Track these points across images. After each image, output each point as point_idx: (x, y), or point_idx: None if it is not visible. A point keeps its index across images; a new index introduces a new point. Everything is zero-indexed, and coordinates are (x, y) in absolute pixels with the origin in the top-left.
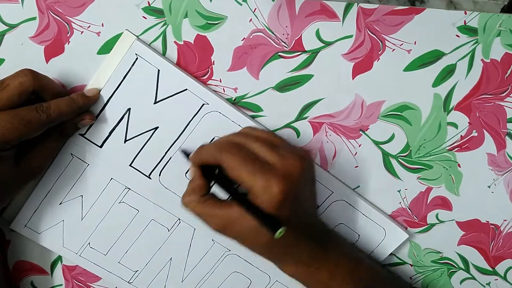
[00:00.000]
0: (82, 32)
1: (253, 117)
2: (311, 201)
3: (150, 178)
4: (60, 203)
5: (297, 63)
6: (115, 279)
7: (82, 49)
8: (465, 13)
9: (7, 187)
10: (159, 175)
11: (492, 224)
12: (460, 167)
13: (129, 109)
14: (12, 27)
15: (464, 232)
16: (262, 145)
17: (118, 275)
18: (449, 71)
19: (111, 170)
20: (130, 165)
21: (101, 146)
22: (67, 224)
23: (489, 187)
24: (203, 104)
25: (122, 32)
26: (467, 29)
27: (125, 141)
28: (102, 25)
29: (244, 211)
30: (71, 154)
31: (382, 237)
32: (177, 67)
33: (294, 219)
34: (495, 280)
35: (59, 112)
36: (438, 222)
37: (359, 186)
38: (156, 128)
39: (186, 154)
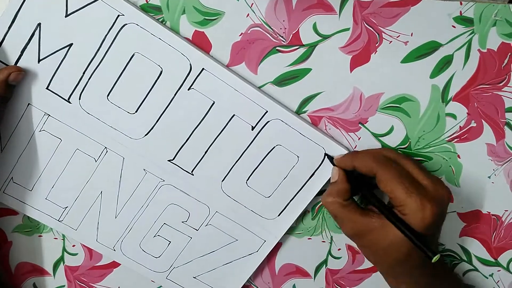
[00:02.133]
0: None
1: None
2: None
3: (69, 102)
4: None
5: (295, 57)
6: (44, 217)
7: None
8: (461, 3)
9: None
10: (79, 99)
11: (493, 215)
12: (459, 158)
13: (39, 24)
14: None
15: (465, 224)
16: (415, 166)
17: (47, 213)
18: (446, 62)
19: (27, 95)
20: (47, 88)
21: None
22: None
23: (489, 177)
24: (119, 16)
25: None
26: (463, 20)
27: (39, 60)
28: None
29: (386, 222)
30: None
31: (322, 156)
32: None
33: (432, 244)
34: (498, 271)
35: None
36: None
37: None
38: (71, 45)
39: (330, 157)
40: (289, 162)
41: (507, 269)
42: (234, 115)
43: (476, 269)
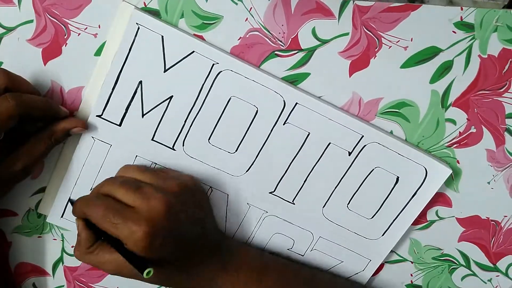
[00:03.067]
0: (79, 34)
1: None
2: (196, 223)
3: (174, 149)
4: (91, 189)
5: (294, 62)
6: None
7: (79, 51)
8: (462, 9)
9: None
10: (183, 145)
11: (492, 220)
12: (459, 163)
13: (140, 82)
14: (9, 30)
15: (464, 229)
16: (127, 190)
17: None
18: (446, 67)
19: (134, 147)
20: (152, 139)
21: (120, 125)
22: None
23: (488, 183)
24: (213, 64)
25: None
26: (463, 25)
27: (143, 115)
28: (99, 27)
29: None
30: (92, 137)
31: (423, 176)
32: (180, 30)
33: (174, 255)
34: (496, 276)
35: (29, 102)
36: (438, 219)
37: None
38: (171, 97)
39: (72, 204)
40: (389, 183)
41: (506, 274)
42: (330, 143)
43: (474, 274)
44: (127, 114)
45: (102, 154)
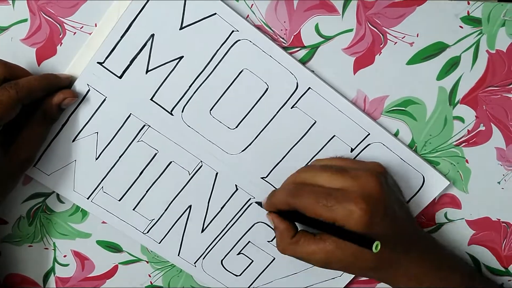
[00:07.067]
0: (75, 33)
1: None
2: (403, 211)
3: (172, 114)
4: (73, 140)
5: (297, 59)
6: (129, 229)
7: (74, 50)
8: (468, 3)
9: None
10: (182, 112)
11: (503, 222)
12: (468, 163)
13: (152, 35)
14: (2, 29)
15: (474, 231)
16: (331, 174)
17: (132, 225)
18: (453, 63)
19: (130, 105)
20: (151, 99)
21: (120, 77)
22: (79, 165)
23: (499, 183)
24: (233, 31)
25: None
26: (470, 20)
27: (147, 71)
28: (95, 25)
29: (339, 240)
30: (88, 84)
31: (420, 184)
32: None
33: (390, 233)
34: (509, 280)
35: (28, 86)
36: (447, 221)
37: None
38: (181, 57)
39: (260, 204)
40: None
41: None
42: (334, 136)
43: None
44: (130, 67)
45: (94, 105)
